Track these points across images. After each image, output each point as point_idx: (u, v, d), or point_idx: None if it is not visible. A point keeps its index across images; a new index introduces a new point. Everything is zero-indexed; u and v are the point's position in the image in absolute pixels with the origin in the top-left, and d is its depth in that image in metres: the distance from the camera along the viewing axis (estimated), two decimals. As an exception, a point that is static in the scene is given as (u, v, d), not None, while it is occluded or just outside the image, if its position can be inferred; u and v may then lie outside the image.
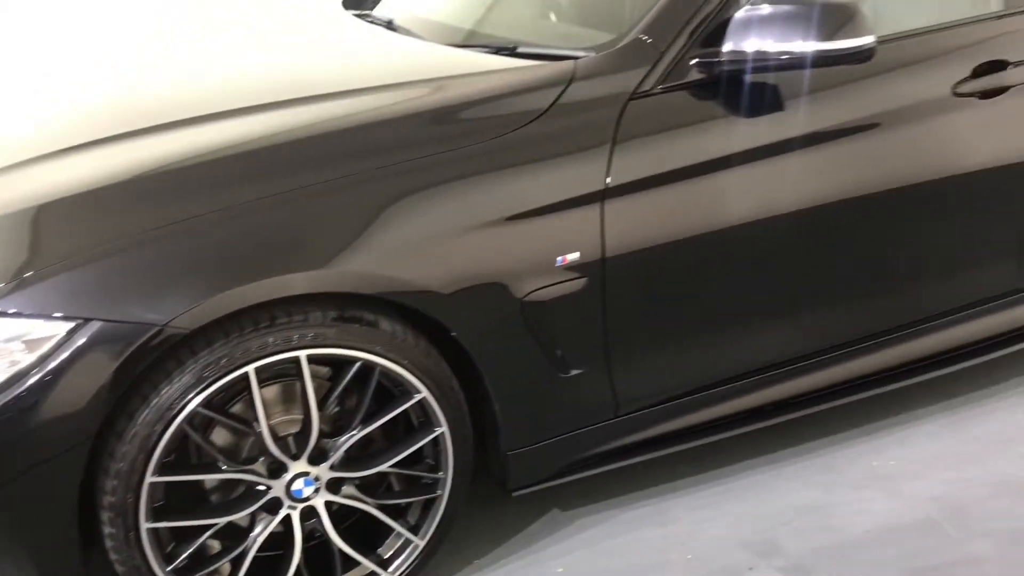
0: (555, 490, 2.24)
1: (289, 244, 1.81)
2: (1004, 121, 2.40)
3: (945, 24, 2.40)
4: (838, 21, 2.03)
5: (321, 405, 1.91)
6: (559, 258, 2.00)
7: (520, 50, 2.26)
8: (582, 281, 2.03)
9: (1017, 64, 2.37)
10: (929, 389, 2.71)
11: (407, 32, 2.62)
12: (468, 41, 2.49)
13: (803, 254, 2.28)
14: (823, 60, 2.04)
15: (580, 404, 2.17)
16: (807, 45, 2.02)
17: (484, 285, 1.94)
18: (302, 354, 1.83)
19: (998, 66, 2.36)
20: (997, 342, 2.67)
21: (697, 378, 2.29)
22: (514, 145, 1.98)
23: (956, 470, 2.47)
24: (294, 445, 1.94)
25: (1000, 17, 2.43)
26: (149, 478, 1.79)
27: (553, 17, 2.84)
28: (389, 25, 2.72)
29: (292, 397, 1.95)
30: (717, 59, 2.08)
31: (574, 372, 2.11)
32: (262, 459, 1.92)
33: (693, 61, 2.10)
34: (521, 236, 1.96)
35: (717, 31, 2.09)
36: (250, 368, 1.81)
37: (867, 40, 2.03)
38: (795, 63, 2.04)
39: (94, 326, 1.69)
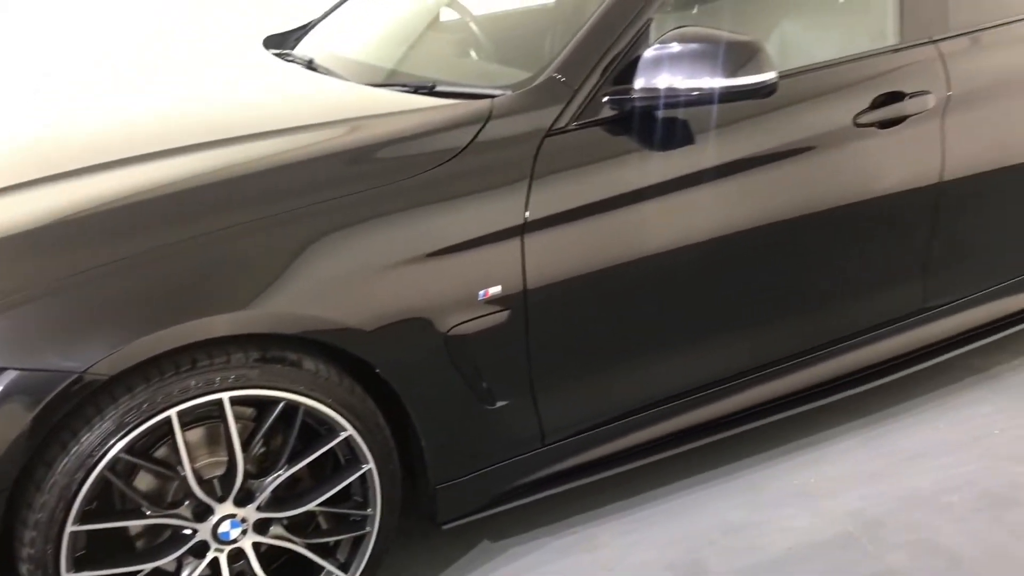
0: (485, 520, 2.26)
1: (209, 286, 1.81)
2: (903, 149, 2.52)
3: (846, 58, 2.51)
4: (743, 58, 2.11)
5: (246, 446, 1.91)
6: (481, 292, 2.03)
7: (439, 88, 2.31)
8: (505, 314, 2.07)
9: (913, 95, 2.49)
10: (844, 407, 2.80)
11: (327, 71, 2.65)
12: (388, 80, 2.52)
13: (719, 281, 2.36)
14: (729, 95, 2.12)
15: (507, 435, 2.20)
16: (714, 81, 2.10)
17: (407, 321, 1.97)
18: (225, 396, 1.83)
19: (896, 97, 2.48)
20: (905, 361, 2.79)
21: (622, 405, 2.34)
22: (433, 182, 2.01)
23: (871, 485, 2.56)
24: (220, 487, 1.93)
25: (897, 51, 2.56)
26: (70, 527, 1.76)
27: (473, 55, 2.91)
28: (309, 65, 2.74)
29: (216, 439, 1.95)
30: (629, 96, 2.15)
31: (500, 403, 2.14)
32: (187, 502, 1.91)
33: (606, 98, 2.17)
34: (443, 271, 1.99)
35: (628, 69, 2.16)
36: (172, 412, 1.80)
37: (770, 76, 2.12)
38: (703, 98, 2.12)
39: (10, 375, 1.67)
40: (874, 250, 2.60)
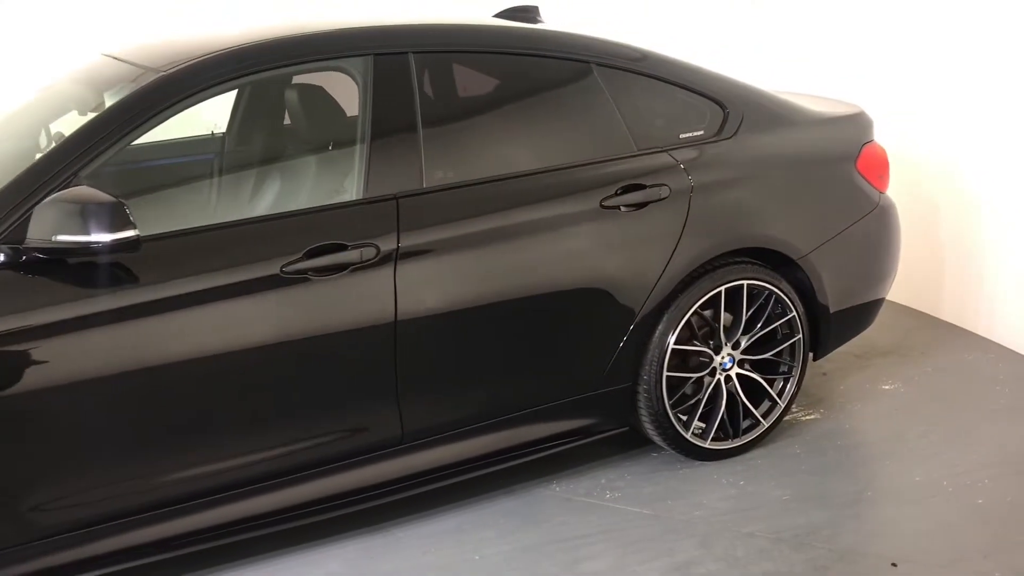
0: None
1: None
2: (351, 296, 2.75)
3: (291, 212, 2.82)
4: (113, 218, 2.39)
5: None
6: None
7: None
8: None
9: (355, 246, 2.74)
10: (335, 527, 3.00)
11: None
12: None
13: (125, 413, 2.60)
14: (102, 249, 2.41)
15: None
16: (88, 236, 2.38)
17: None
18: None
19: (339, 248, 2.73)
20: (394, 488, 2.98)
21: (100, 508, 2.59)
22: None
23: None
24: None
25: (355, 205, 2.81)
26: None
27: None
28: None
29: None
30: (22, 246, 2.43)
31: None
32: None
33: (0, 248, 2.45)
34: None
35: (24, 224, 2.44)
36: None
37: (130, 233, 2.41)
38: (77, 251, 2.40)
39: None
40: (340, 386, 2.82)
